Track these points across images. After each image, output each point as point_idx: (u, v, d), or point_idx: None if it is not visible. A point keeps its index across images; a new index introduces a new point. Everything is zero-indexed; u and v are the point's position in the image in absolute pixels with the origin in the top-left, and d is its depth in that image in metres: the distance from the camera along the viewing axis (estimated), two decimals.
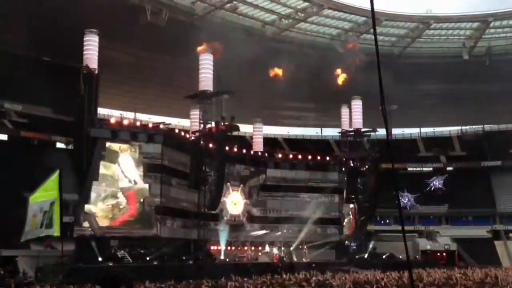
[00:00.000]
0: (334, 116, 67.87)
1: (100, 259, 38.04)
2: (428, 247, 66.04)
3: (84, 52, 43.20)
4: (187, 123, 59.49)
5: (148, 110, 69.85)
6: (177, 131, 52.53)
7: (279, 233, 55.34)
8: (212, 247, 49.63)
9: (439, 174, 78.41)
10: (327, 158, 63.02)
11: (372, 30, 58.16)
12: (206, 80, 47.72)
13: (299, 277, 30.26)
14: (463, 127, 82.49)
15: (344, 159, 61.99)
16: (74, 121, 42.60)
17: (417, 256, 60.46)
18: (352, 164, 60.83)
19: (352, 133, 61.63)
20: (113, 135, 43.14)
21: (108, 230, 41.72)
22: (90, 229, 40.90)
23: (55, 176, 5.00)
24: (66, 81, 44.91)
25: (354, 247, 60.40)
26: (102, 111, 58.06)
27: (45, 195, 5.00)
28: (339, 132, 64.50)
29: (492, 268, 44.93)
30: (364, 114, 60.52)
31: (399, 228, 62.31)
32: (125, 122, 45.85)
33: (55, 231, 5.05)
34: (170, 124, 53.72)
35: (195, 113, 50.92)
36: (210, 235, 48.27)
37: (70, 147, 51.09)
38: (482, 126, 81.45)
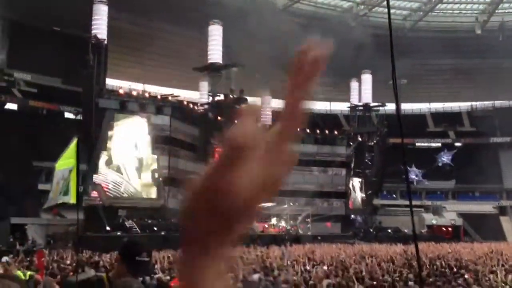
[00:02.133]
0: (343, 91, 67.57)
1: (108, 228, 38.55)
2: (434, 222, 66.32)
3: (93, 22, 43.06)
4: (196, 95, 59.45)
5: (157, 81, 69.72)
6: (185, 103, 52.51)
7: (286, 206, 55.70)
8: None
9: (447, 150, 78.24)
10: (335, 132, 62.96)
11: (384, 3, 57.43)
12: (215, 52, 47.49)
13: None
14: (473, 103, 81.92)
15: (352, 134, 61.89)
16: (83, 92, 42.68)
17: (422, 231, 60.78)
18: (360, 139, 60.78)
19: (361, 108, 61.42)
20: (122, 106, 43.25)
21: (116, 200, 42.17)
22: (98, 199, 41.36)
23: (74, 144, 5.05)
24: (75, 51, 44.83)
25: (360, 221, 60.77)
26: (110, 82, 58.00)
27: (66, 162, 5.07)
28: (348, 107, 64.29)
29: (497, 243, 45.25)
30: (373, 88, 60.18)
31: (406, 202, 62.47)
32: (134, 93, 45.87)
33: (71, 198, 5.13)
34: (178, 96, 53.69)
35: (204, 85, 50.82)
36: None
37: (78, 117, 51.28)
38: (492, 102, 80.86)
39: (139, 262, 3.09)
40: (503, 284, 14.79)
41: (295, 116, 0.69)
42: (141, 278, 13.95)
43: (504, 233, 63.92)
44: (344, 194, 61.79)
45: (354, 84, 63.02)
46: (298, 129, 0.58)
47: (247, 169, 0.60)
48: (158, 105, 45.43)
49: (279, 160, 0.65)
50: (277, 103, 74.31)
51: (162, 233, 39.30)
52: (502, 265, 22.50)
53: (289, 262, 20.91)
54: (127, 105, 43.56)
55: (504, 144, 76.62)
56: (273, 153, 0.64)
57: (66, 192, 5.33)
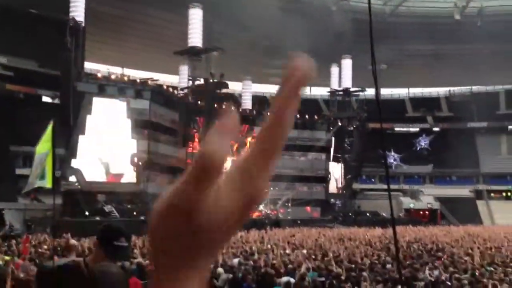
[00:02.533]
0: (323, 75, 67.66)
1: (86, 213, 38.28)
2: (412, 205, 67.33)
3: (71, 4, 42.32)
4: (176, 79, 59.04)
5: (136, 65, 69.03)
6: (165, 87, 52.11)
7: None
8: None
9: (425, 135, 79.19)
10: (315, 117, 63.17)
11: None
12: (195, 36, 47.09)
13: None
14: (451, 88, 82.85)
15: (332, 119, 62.16)
16: (61, 75, 42.02)
17: (400, 215, 61.61)
18: (340, 124, 61.08)
19: (341, 93, 61.64)
20: (100, 90, 42.74)
21: (95, 185, 41.85)
22: (77, 184, 41.01)
23: (50, 127, 4.98)
24: (53, 34, 44.05)
25: (340, 205, 61.35)
26: (89, 65, 57.28)
27: (44, 146, 4.99)
28: (328, 92, 64.46)
29: (474, 226, 46.14)
30: (353, 73, 60.40)
31: (384, 186, 63.13)
32: (113, 77, 45.36)
33: (47, 182, 5.07)
34: (158, 80, 53.26)
35: (184, 70, 50.46)
36: None
37: (56, 101, 50.54)
38: (470, 87, 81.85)
39: (117, 247, 3.06)
40: (478, 266, 15.10)
41: (278, 133, 0.64)
42: (120, 263, 13.90)
43: (480, 216, 65.16)
44: (324, 179, 62.21)
45: (334, 69, 63.15)
46: (282, 145, 0.57)
47: (215, 191, 0.56)
48: (137, 89, 45.00)
49: (250, 186, 0.60)
50: (258, 88, 74.27)
51: (142, 217, 39.16)
52: (478, 248, 22.96)
53: (269, 246, 21.04)
54: (105, 89, 43.06)
55: (481, 129, 77.79)
56: (247, 176, 0.60)
57: (42, 177, 5.26)
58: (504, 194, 71.80)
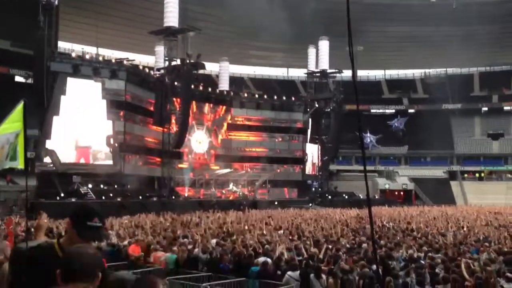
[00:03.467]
0: (300, 57, 67.59)
1: (62, 194, 37.89)
2: (387, 186, 68.27)
3: None
4: (152, 59, 58.31)
5: (111, 45, 67.96)
6: (141, 67, 51.48)
7: (243, 171, 56.05)
8: (176, 185, 49.99)
9: (400, 116, 79.99)
10: (293, 99, 63.23)
11: None
12: (171, 15, 46.42)
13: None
14: (427, 70, 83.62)
15: (309, 100, 62.29)
16: (34, 55, 41.14)
17: (376, 195, 62.44)
18: (317, 105, 61.25)
19: (318, 74, 61.68)
20: (75, 70, 42.02)
21: (71, 166, 41.38)
22: (51, 165, 40.49)
23: (20, 107, 4.86)
24: (25, 12, 43.00)
25: (317, 186, 61.84)
26: (63, 45, 56.23)
27: (11, 126, 4.87)
28: (305, 73, 64.45)
29: (447, 207, 46.99)
30: (330, 55, 60.42)
31: (360, 168, 63.85)
32: (87, 56, 44.62)
33: (19, 163, 4.96)
34: (134, 60, 52.53)
35: (160, 50, 49.83)
36: (174, 173, 48.48)
37: (29, 81, 49.57)
38: (445, 69, 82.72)
39: (90, 227, 3.02)
40: (452, 245, 15.41)
41: None
42: (95, 244, 13.81)
43: (454, 197, 66.40)
44: (301, 160, 62.56)
45: (311, 51, 63.04)
46: None
47: None
48: (113, 69, 44.38)
49: None
50: (235, 69, 73.84)
51: (118, 199, 39.00)
52: (451, 227, 23.42)
53: (246, 227, 21.14)
54: (80, 69, 42.35)
55: (455, 111, 78.86)
56: None
57: (13, 157, 5.15)
58: (477, 175, 73.21)
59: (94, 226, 3.04)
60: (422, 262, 12.08)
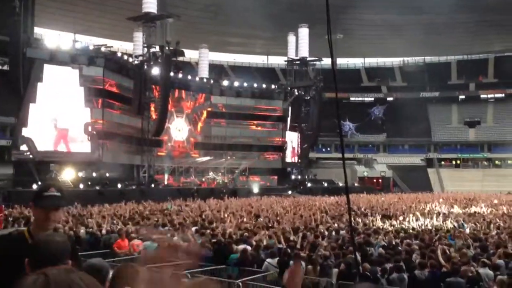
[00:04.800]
0: (280, 44, 67.48)
1: (39, 183, 37.39)
2: (366, 174, 68.91)
3: None
4: (130, 46, 57.64)
5: (89, 31, 67.01)
6: (119, 54, 50.84)
7: (223, 159, 55.99)
8: (155, 173, 49.74)
9: (379, 104, 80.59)
10: (273, 86, 63.19)
11: None
12: (150, 1, 45.88)
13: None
14: (405, 59, 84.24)
15: (289, 88, 62.32)
16: (9, 41, 40.32)
17: (354, 183, 63.00)
18: (296, 93, 61.32)
19: (298, 62, 61.67)
20: (51, 56, 41.33)
21: (48, 155, 40.85)
22: (28, 153, 39.92)
23: None
24: None
25: (296, 174, 62.09)
26: (39, 31, 55.20)
27: None
28: (285, 61, 64.39)
29: (424, 194, 47.66)
30: (310, 42, 60.42)
31: (340, 155, 64.32)
32: (64, 43, 43.90)
33: None
34: (112, 47, 51.83)
35: (139, 36, 49.26)
36: (153, 160, 48.23)
37: (5, 68, 48.65)
38: (423, 58, 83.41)
39: (47, 197, 3.03)
40: (428, 232, 15.66)
41: None
42: (72, 232, 13.71)
43: (431, 184, 67.33)
44: (281, 148, 62.70)
45: (291, 38, 62.95)
46: None
47: None
48: (90, 56, 43.76)
49: None
50: (215, 56, 73.43)
51: (97, 187, 38.70)
52: (428, 212, 23.78)
53: (226, 215, 21.18)
54: (57, 55, 41.67)
55: (433, 99, 79.72)
56: None
57: None
58: (453, 162, 74.27)
59: (50, 195, 3.03)
60: (400, 248, 12.25)
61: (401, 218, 21.13)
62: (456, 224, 18.62)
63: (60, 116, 41.46)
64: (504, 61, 75.81)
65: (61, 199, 3.13)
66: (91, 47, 45.93)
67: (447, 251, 11.37)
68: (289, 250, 11.45)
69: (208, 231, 15.14)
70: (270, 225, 17.23)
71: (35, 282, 1.41)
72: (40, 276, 1.42)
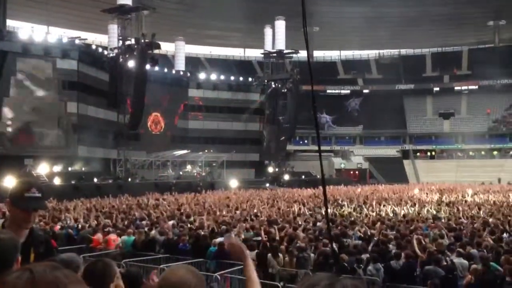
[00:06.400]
0: (257, 37, 67.39)
1: (19, 180, 36.67)
2: (342, 166, 69.44)
3: None
4: (105, 39, 56.94)
5: (62, 23, 65.93)
6: (94, 47, 50.17)
7: (200, 153, 55.83)
8: (132, 167, 49.34)
9: (355, 97, 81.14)
10: (249, 79, 63.13)
11: None
12: None
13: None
14: (381, 51, 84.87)
15: (266, 80, 62.34)
16: None
17: (332, 175, 63.42)
18: (273, 86, 61.38)
19: (275, 54, 61.69)
20: (24, 49, 40.61)
21: (22, 149, 40.19)
22: (1, 148, 39.22)
23: None
24: None
25: (274, 167, 62.23)
26: (11, 23, 54.11)
27: None
28: (262, 53, 64.35)
29: (400, 185, 48.25)
30: (287, 35, 60.47)
31: (317, 148, 64.54)
32: (37, 35, 43.15)
33: None
34: (86, 39, 51.15)
35: (114, 29, 48.68)
36: (130, 154, 47.81)
37: None
38: (398, 50, 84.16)
39: (28, 198, 2.95)
40: (404, 222, 15.86)
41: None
42: (43, 229, 13.54)
43: (407, 175, 68.15)
44: (258, 141, 62.76)
45: (268, 31, 62.90)
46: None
47: None
48: (64, 48, 43.11)
49: None
50: (191, 49, 73.03)
51: (73, 182, 38.23)
52: (406, 203, 24.09)
53: (204, 208, 21.14)
54: (30, 48, 40.95)
55: (408, 91, 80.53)
56: None
57: None
58: (428, 153, 75.25)
59: (31, 197, 2.96)
60: (375, 238, 12.39)
61: (377, 209, 21.37)
62: (430, 216, 18.89)
63: (34, 109, 40.81)
64: (478, 53, 76.93)
65: (41, 200, 3.07)
66: (65, 40, 45.24)
67: (423, 241, 11.54)
68: (267, 243, 11.49)
69: (187, 224, 15.12)
70: (248, 218, 17.27)
71: (20, 277, 1.37)
72: (25, 272, 1.40)
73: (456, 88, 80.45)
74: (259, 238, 12.39)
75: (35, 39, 41.78)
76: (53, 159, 41.75)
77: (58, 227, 14.82)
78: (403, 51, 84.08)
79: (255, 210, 20.41)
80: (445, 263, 9.72)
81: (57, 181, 37.77)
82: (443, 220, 16.81)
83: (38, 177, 37.49)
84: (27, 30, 46.77)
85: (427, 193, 33.10)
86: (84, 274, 2.64)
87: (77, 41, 45.26)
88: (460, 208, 20.84)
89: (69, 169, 42.11)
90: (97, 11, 49.38)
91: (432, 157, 74.83)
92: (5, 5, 41.60)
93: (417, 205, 22.92)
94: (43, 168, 39.78)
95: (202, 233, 13.12)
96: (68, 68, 43.03)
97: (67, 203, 23.16)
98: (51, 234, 12.77)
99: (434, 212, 19.82)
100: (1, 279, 1.41)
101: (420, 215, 18.99)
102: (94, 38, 63.54)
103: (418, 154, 74.67)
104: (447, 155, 74.39)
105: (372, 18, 70.20)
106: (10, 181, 35.72)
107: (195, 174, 51.90)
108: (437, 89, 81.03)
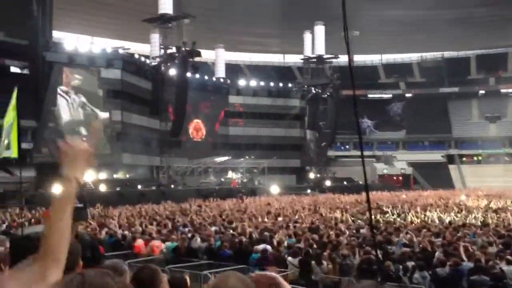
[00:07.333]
0: (296, 43, 67.28)
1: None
2: (385, 171, 68.35)
3: None
4: (147, 48, 58.00)
5: (106, 34, 67.55)
6: (137, 56, 51.19)
7: (241, 159, 56.07)
8: (174, 173, 49.95)
9: (398, 101, 79.89)
10: (289, 85, 63.06)
11: None
12: (165, 2, 46.09)
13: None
14: (423, 54, 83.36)
15: (306, 86, 62.14)
16: (29, 45, 40.89)
17: (374, 180, 62.55)
18: (313, 91, 61.11)
19: (314, 60, 61.46)
20: (70, 59, 41.80)
21: None
22: (50, 156, 40.36)
23: (14, 95, 4.85)
24: (18, 1, 42.61)
25: (315, 172, 61.89)
26: (58, 34, 55.79)
27: (11, 116, 4.89)
28: (301, 59, 64.20)
29: (446, 191, 47.15)
30: (326, 40, 60.16)
31: (358, 153, 63.83)
32: (82, 46, 44.35)
33: (13, 152, 4.95)
34: (129, 48, 52.23)
35: (155, 38, 49.54)
36: (172, 161, 48.43)
37: (25, 71, 49.33)
38: (441, 53, 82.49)
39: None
40: (450, 229, 15.46)
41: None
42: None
43: (452, 180, 66.55)
44: (299, 147, 62.53)
45: (307, 36, 62.73)
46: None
47: None
48: (108, 58, 44.14)
49: None
50: (231, 56, 73.54)
51: (117, 189, 38.98)
52: (452, 209, 23.51)
53: (245, 215, 21.18)
54: (75, 58, 42.12)
55: (452, 94, 78.77)
56: None
57: (8, 146, 5.14)
58: (475, 158, 73.32)
59: (76, 208, 3.05)
60: (421, 246, 12.12)
61: (422, 215, 20.92)
62: (478, 222, 18.37)
63: (79, 121, 41.91)
64: None
65: (84, 210, 3.16)
66: (108, 50, 46.32)
67: (470, 248, 11.21)
68: (310, 250, 11.41)
69: (230, 231, 15.17)
70: (290, 224, 17.19)
71: (72, 280, 1.51)
72: (77, 276, 1.54)
73: (502, 90, 78.20)
74: (301, 245, 12.31)
75: (80, 50, 42.94)
76: (99, 166, 42.67)
77: (103, 233, 15.11)
78: (447, 54, 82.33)
79: (296, 216, 20.31)
80: (494, 271, 9.41)
81: (102, 188, 38.61)
82: (491, 227, 16.31)
83: (84, 184, 38.38)
84: (72, 41, 48.11)
85: (475, 199, 32.22)
86: (132, 280, 2.69)
87: (120, 51, 46.30)
88: (509, 215, 20.17)
89: (114, 176, 42.98)
90: (139, 21, 50.35)
91: (478, 162, 72.87)
92: (51, 16, 42.94)
93: (463, 211, 22.33)
94: (89, 176, 40.72)
95: (244, 239, 13.13)
96: (112, 78, 44.02)
97: (112, 210, 23.62)
98: (97, 240, 13.03)
99: (482, 219, 19.26)
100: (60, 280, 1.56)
101: (467, 221, 18.48)
102: (137, 47, 64.79)
103: (464, 159, 72.85)
104: (494, 160, 72.28)
105: (414, 20, 69.13)
106: (58, 189, 36.70)
107: (237, 180, 52.01)
108: (483, 92, 78.96)
